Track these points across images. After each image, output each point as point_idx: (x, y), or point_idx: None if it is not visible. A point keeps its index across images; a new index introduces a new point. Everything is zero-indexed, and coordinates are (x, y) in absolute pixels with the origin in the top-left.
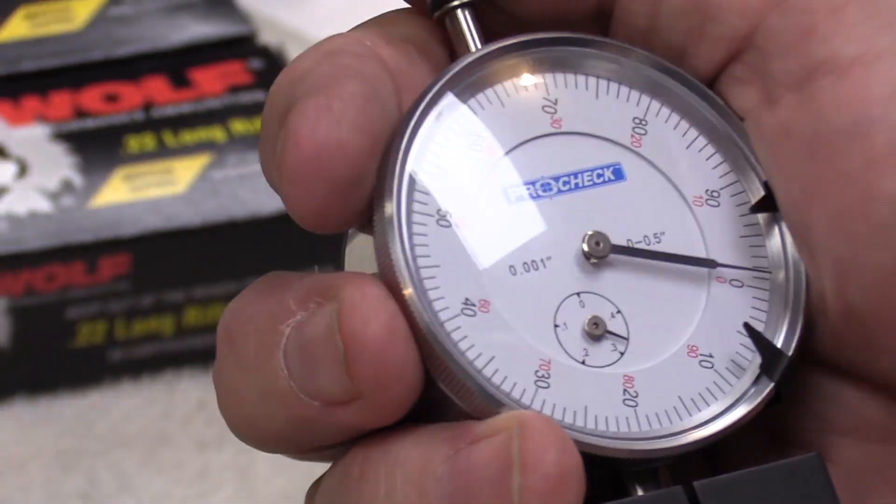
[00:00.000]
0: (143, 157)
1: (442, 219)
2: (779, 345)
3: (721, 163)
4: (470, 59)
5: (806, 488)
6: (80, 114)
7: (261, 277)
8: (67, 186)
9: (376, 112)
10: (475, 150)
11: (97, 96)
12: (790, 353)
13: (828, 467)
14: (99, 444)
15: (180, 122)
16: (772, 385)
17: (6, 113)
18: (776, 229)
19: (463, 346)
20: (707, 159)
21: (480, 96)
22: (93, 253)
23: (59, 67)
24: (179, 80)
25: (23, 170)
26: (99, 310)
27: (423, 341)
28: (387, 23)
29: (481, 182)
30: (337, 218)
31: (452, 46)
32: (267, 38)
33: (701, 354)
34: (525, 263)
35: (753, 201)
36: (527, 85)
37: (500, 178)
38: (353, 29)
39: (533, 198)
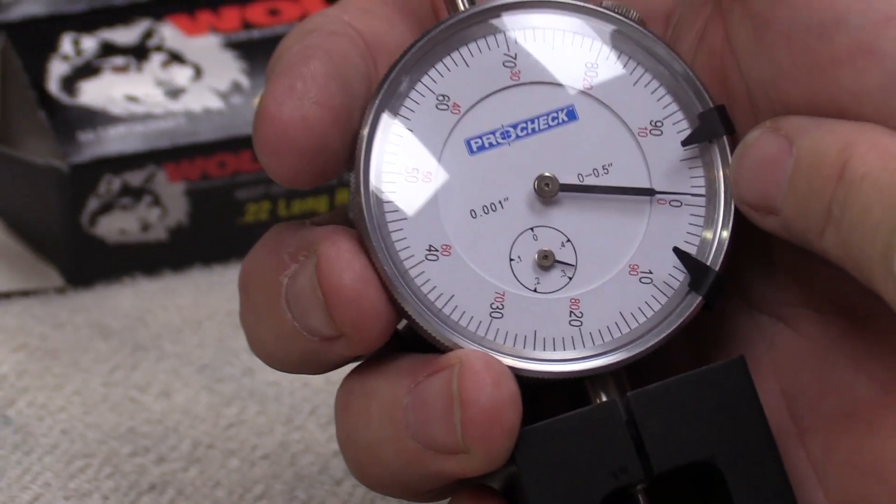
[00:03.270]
0: None
1: (409, 175)
2: (708, 260)
3: (664, 95)
4: (437, 28)
5: (731, 391)
6: (247, 26)
7: (266, 233)
8: (236, 87)
9: (337, 87)
10: (441, 109)
11: (262, 11)
12: (717, 269)
13: (794, 338)
14: None
15: None
16: (700, 298)
17: (183, 25)
18: (712, 154)
19: (425, 289)
20: (652, 93)
21: (448, 59)
22: None
23: None
24: None
25: (198, 73)
26: (264, 192)
27: (388, 288)
28: None
29: (447, 137)
30: (308, 179)
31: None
32: None
33: (641, 272)
34: (484, 206)
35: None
36: (490, 44)
37: (464, 131)
38: (340, 1)
39: (493, 146)
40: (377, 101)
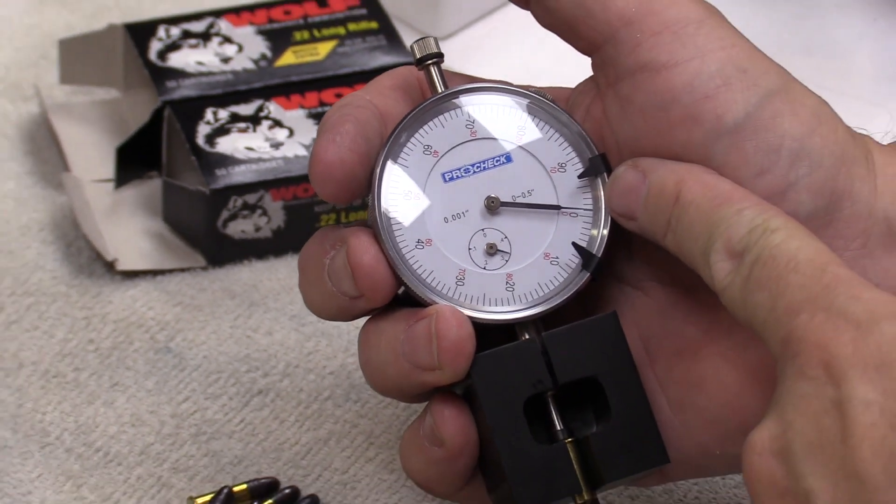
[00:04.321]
0: None
1: (405, 196)
2: (594, 250)
3: (567, 146)
4: (424, 103)
5: (608, 333)
6: (322, 104)
7: (314, 233)
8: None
9: (362, 140)
10: (426, 154)
11: (331, 94)
12: (600, 255)
13: (646, 301)
14: None
15: None
16: (588, 274)
17: (282, 103)
18: (596, 184)
19: (415, 266)
20: (559, 145)
21: (431, 123)
22: None
23: (311, 80)
24: None
25: (291, 133)
26: (331, 207)
27: (392, 265)
28: (387, 78)
29: (429, 172)
30: (344, 199)
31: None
32: None
33: (552, 257)
34: (453, 215)
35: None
36: (457, 113)
37: (441, 168)
38: (365, 87)
39: (459, 177)
40: (386, 149)
